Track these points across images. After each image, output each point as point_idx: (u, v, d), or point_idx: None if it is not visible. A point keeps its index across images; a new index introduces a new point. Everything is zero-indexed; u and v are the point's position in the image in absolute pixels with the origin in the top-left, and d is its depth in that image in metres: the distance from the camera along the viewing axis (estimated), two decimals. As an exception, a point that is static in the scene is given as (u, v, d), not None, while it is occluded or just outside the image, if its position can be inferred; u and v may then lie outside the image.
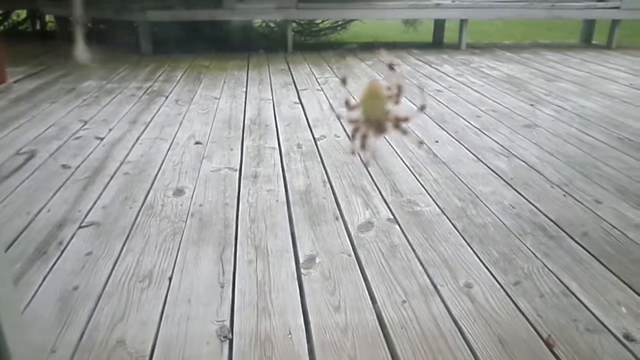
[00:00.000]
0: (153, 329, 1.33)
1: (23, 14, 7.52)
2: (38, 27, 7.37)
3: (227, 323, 1.36)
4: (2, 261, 0.62)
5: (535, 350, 1.28)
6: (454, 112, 3.34)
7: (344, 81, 0.70)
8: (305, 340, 1.30)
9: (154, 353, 1.25)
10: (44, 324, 1.34)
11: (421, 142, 2.26)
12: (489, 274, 1.58)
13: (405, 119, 0.66)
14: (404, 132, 0.66)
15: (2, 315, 0.58)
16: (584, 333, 1.33)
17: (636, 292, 1.49)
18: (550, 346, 1.28)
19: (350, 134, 0.68)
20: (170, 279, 1.54)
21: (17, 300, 1.22)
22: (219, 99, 3.65)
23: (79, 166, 2.38)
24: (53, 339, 1.29)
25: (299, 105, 3.49)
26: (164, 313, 1.39)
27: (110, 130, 2.92)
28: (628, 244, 1.76)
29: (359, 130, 0.67)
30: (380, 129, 0.66)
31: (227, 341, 1.29)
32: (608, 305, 1.44)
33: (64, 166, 2.38)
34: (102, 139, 2.77)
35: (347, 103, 0.66)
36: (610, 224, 1.88)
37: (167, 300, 1.45)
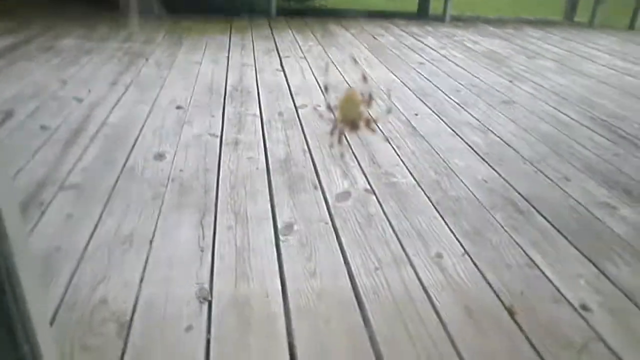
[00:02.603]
0: (134, 290, 1.37)
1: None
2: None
3: (207, 286, 1.40)
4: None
5: (499, 318, 1.36)
6: (435, 85, 3.38)
7: (326, 67, 0.87)
8: (282, 304, 1.36)
9: (135, 312, 1.30)
10: (26, 283, 1.37)
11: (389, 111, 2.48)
12: (459, 245, 1.65)
13: (375, 120, 0.83)
14: (373, 130, 0.84)
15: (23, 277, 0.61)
16: (544, 303, 1.42)
17: (596, 266, 1.58)
18: (512, 314, 1.36)
19: (330, 131, 0.86)
20: (151, 242, 1.58)
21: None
22: (201, 63, 3.61)
23: (58, 127, 2.37)
24: (35, 297, 1.32)
25: (282, 73, 3.48)
26: (145, 275, 1.43)
27: (89, 91, 2.89)
28: (592, 221, 1.85)
29: (337, 127, 0.83)
30: (354, 127, 0.82)
31: (207, 303, 1.34)
32: (569, 278, 1.53)
33: (42, 127, 2.36)
34: (81, 100, 2.74)
35: (325, 88, 0.81)
36: (577, 201, 1.97)
37: (148, 262, 1.49)
